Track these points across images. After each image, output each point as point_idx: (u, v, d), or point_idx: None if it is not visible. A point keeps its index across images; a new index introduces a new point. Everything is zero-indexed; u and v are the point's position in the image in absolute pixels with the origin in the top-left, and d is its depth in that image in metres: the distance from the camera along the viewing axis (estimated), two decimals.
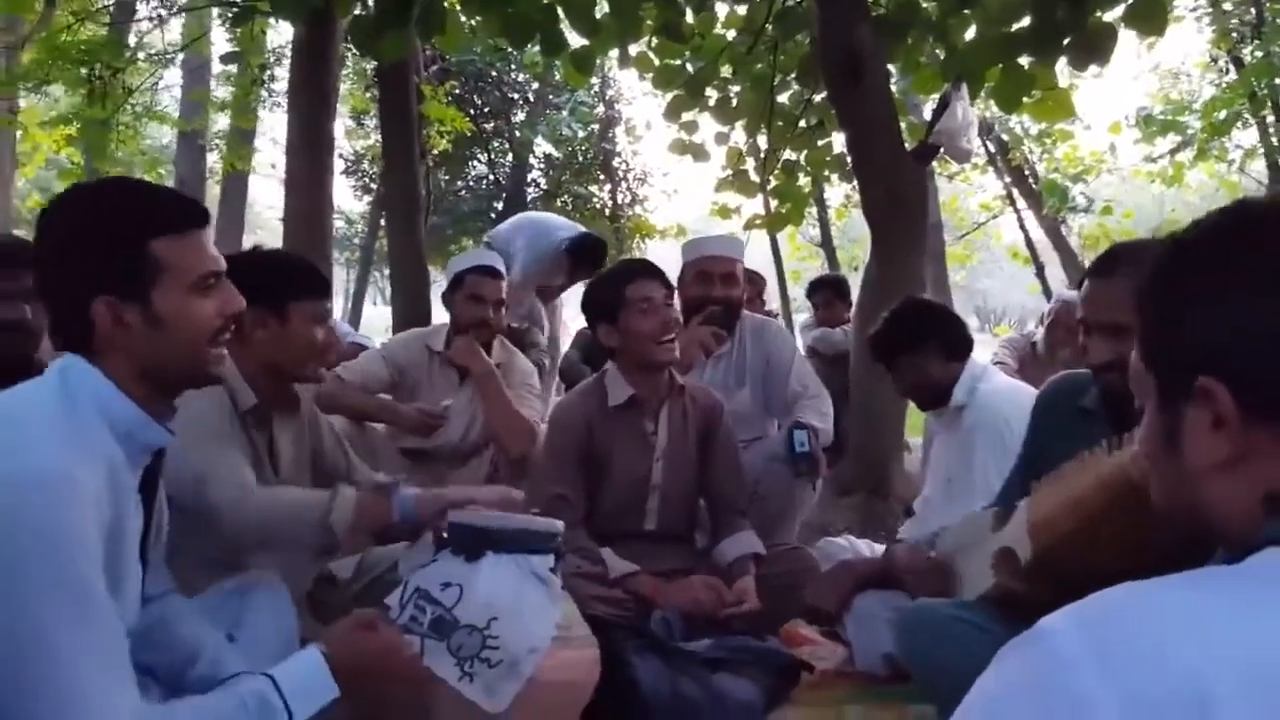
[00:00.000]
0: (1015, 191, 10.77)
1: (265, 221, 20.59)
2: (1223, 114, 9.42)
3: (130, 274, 1.04)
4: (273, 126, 13.56)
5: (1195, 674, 0.42)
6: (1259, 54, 9.24)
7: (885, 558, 1.69)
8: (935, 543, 1.64)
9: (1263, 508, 0.53)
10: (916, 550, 1.62)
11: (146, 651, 1.17)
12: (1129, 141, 10.54)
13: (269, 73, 9.43)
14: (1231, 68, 10.02)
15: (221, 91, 9.75)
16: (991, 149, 10.23)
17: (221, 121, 10.09)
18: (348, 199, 14.39)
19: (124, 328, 1.03)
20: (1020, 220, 11.04)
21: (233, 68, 8.24)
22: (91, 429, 1.00)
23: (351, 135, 12.50)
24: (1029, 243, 11.14)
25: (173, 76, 9.85)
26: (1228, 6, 9.57)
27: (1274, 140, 9.75)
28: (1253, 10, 9.24)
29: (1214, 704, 0.40)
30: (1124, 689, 0.42)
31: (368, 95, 10.10)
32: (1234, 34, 9.76)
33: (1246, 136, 10.36)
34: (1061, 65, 3.22)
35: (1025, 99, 3.40)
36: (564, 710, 1.35)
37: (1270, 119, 9.60)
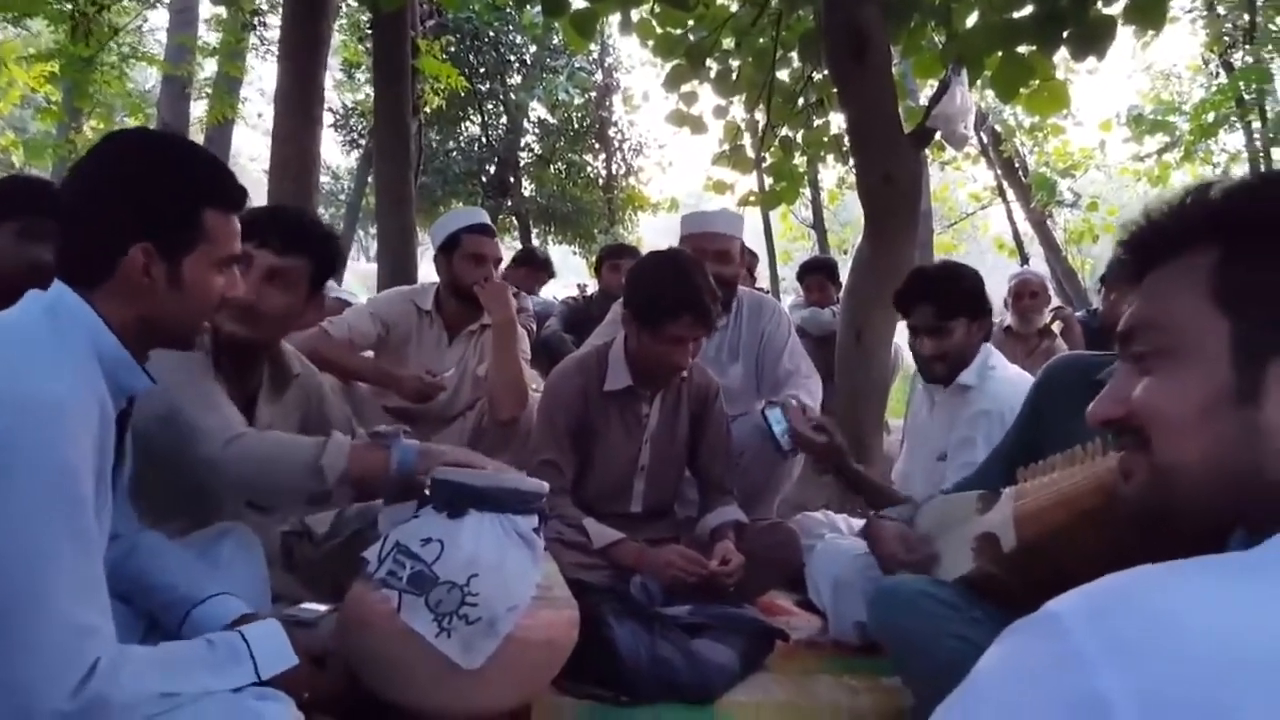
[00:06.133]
0: (1005, 183, 10.82)
1: (248, 173, 20.20)
2: (1211, 116, 9.51)
3: (177, 232, 1.08)
4: (261, 76, 13.27)
5: (1217, 673, 0.40)
6: (1249, 59, 9.29)
7: (869, 535, 1.69)
8: (915, 517, 1.65)
9: None
10: (904, 535, 1.61)
11: (120, 582, 1.17)
12: (1118, 140, 10.59)
13: (260, 19, 9.20)
14: (1222, 71, 10.09)
15: (210, 37, 9.48)
16: (985, 140, 10.25)
17: (208, 68, 9.81)
18: (335, 153, 14.17)
19: (148, 278, 1.06)
20: (1009, 212, 11.12)
21: (222, 10, 8.02)
22: (83, 361, 1.00)
23: (341, 88, 12.26)
24: (1016, 235, 11.23)
25: (159, 19, 9.55)
26: (1222, 10, 9.62)
27: (1258, 145, 9.84)
28: (1245, 15, 9.28)
29: (1236, 706, 0.39)
30: (1142, 688, 0.40)
31: (360, 47, 9.89)
32: (1226, 38, 9.82)
33: (1233, 141, 10.48)
34: (1058, 59, 3.22)
35: (1023, 89, 3.41)
36: (541, 669, 1.35)
37: (1256, 124, 9.68)
